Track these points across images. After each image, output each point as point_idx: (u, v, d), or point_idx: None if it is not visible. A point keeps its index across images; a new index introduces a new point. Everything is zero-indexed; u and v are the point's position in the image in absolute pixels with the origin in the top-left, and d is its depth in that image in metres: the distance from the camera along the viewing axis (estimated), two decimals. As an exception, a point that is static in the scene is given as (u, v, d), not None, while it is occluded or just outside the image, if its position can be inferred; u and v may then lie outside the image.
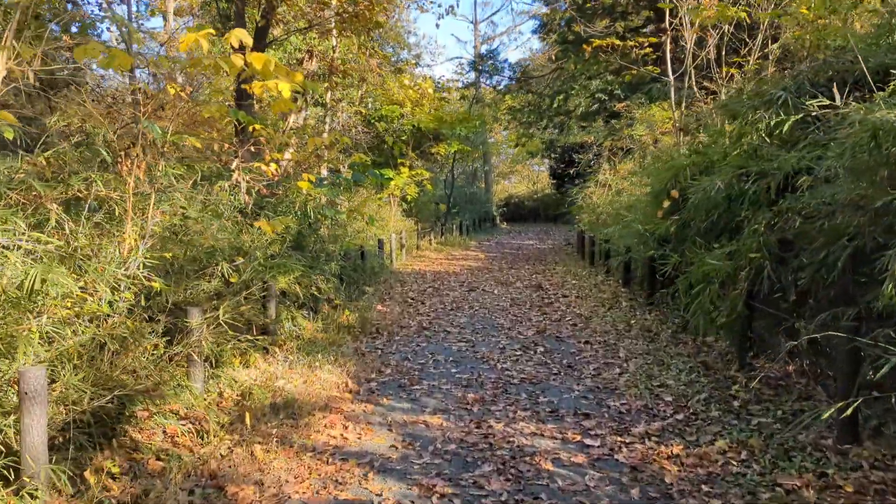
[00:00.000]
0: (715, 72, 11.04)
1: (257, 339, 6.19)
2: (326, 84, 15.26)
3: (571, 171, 43.45)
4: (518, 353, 7.33)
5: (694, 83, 11.61)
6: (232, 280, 6.39)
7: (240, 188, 7.04)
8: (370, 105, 20.50)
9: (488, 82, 23.91)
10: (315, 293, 7.85)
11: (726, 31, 10.94)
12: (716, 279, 5.69)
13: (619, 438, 4.71)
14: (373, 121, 20.55)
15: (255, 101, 13.21)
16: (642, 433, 4.79)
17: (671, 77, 11.20)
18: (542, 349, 7.49)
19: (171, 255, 4.94)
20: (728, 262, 5.57)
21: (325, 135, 15.50)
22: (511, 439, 4.72)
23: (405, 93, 19.85)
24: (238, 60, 4.42)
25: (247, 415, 4.64)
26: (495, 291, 12.13)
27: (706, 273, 5.80)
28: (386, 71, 20.67)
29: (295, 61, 16.44)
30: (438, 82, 21.02)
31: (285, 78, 5.11)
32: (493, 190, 45.53)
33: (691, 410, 5.22)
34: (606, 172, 16.39)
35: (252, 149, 9.54)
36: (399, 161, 20.47)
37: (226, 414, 5.17)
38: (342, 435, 4.83)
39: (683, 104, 10.75)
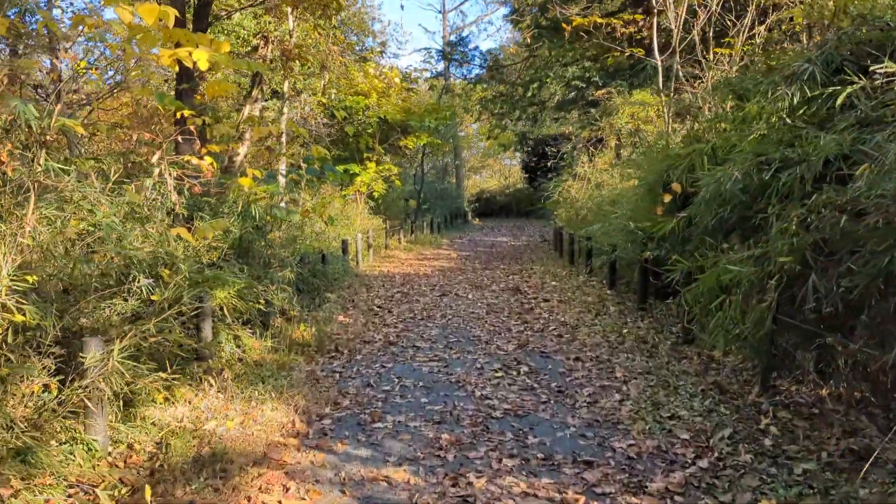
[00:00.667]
0: (703, 55, 10.14)
1: (179, 372, 5.08)
2: (282, 72, 14.07)
3: (544, 165, 42.67)
4: (499, 374, 6.30)
5: (679, 68, 10.69)
6: (154, 298, 5.26)
7: (167, 186, 5.90)
8: (333, 96, 19.32)
9: (458, 72, 22.82)
10: (261, 307, 6.73)
11: (714, 9, 10.03)
12: (738, 289, 4.72)
13: (633, 500, 3.70)
14: (336, 112, 19.39)
15: (200, 90, 11.98)
16: (661, 490, 3.79)
17: (658, 58, 10.25)
18: (525, 368, 6.47)
19: (34, 279, 3.79)
20: (753, 269, 4.60)
21: (282, 128, 14.31)
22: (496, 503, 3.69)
23: (370, 82, 18.71)
24: (125, 14, 3.30)
25: (146, 491, 3.53)
26: (470, 296, 11.11)
27: (726, 281, 4.82)
28: (349, 59, 19.53)
29: (250, 48, 15.22)
30: (406, 72, 19.94)
31: (207, 48, 4.02)
32: (465, 185, 44.55)
33: (716, 454, 4.24)
34: (585, 165, 15.45)
35: (192, 139, 8.38)
36: (365, 156, 19.34)
37: (135, 473, 4.07)
38: (280, 502, 3.76)
39: (673, 86, 9.81)
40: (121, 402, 4.50)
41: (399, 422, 5.03)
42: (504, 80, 20.67)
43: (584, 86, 16.51)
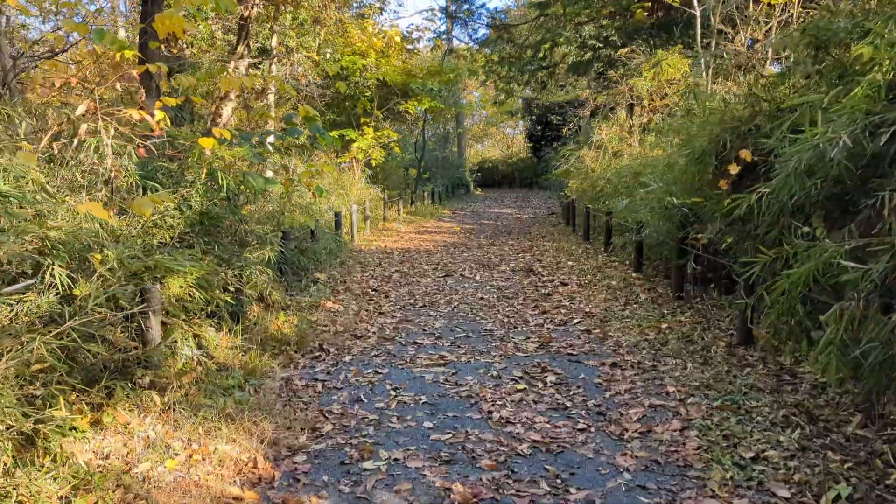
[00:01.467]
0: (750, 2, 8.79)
1: (113, 386, 3.89)
2: (270, 25, 12.68)
3: (550, 134, 41.09)
4: (520, 386, 5.09)
5: (718, 20, 9.34)
6: (75, 293, 4.03)
7: (101, 147, 4.63)
8: (328, 55, 17.89)
9: (463, 34, 21.30)
10: (228, 299, 5.51)
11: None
12: (857, 294, 3.48)
13: None
14: (328, 67, 17.98)
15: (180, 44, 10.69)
16: None
17: (697, 6, 8.88)
18: (552, 378, 5.26)
19: None
20: (883, 265, 3.35)
21: (270, 86, 12.95)
22: None
23: (368, 40, 17.26)
24: None
25: None
26: (477, 277, 9.89)
27: (838, 283, 3.59)
28: (347, 15, 18.08)
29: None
30: (407, 32, 18.48)
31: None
32: (467, 154, 43.12)
33: (838, 528, 3.04)
34: (602, 132, 14.11)
35: (155, 93, 7.07)
36: (362, 121, 17.97)
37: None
38: None
39: (714, 42, 8.46)
40: (14, 441, 3.29)
41: (396, 460, 3.82)
42: (513, 40, 19.18)
43: (601, 46, 15.06)
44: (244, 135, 6.64)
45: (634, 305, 7.67)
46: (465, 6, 19.54)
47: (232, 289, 5.85)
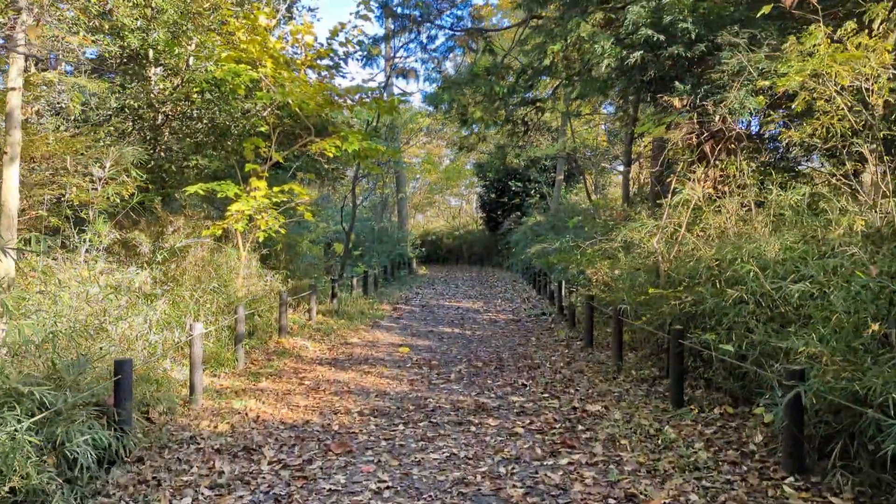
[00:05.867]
0: None
1: None
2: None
3: (508, 203, 34.89)
4: None
5: None
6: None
7: None
8: (190, 61, 11.07)
9: (414, 43, 14.59)
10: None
11: None
12: None
13: None
14: (199, 92, 11.08)
15: None
16: None
17: None
18: None
19: None
20: None
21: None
22: None
23: (262, 40, 10.51)
24: None
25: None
26: None
27: None
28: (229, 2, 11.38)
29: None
30: (328, 36, 11.90)
31: None
32: (408, 225, 36.49)
33: None
34: (694, 185, 7.46)
35: None
36: (250, 170, 11.02)
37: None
38: None
39: None
40: None
41: None
42: (492, 50, 12.74)
43: (663, 41, 8.53)
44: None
45: None
46: None
47: None
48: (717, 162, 7.87)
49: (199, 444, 5.44)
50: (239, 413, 6.40)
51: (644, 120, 9.93)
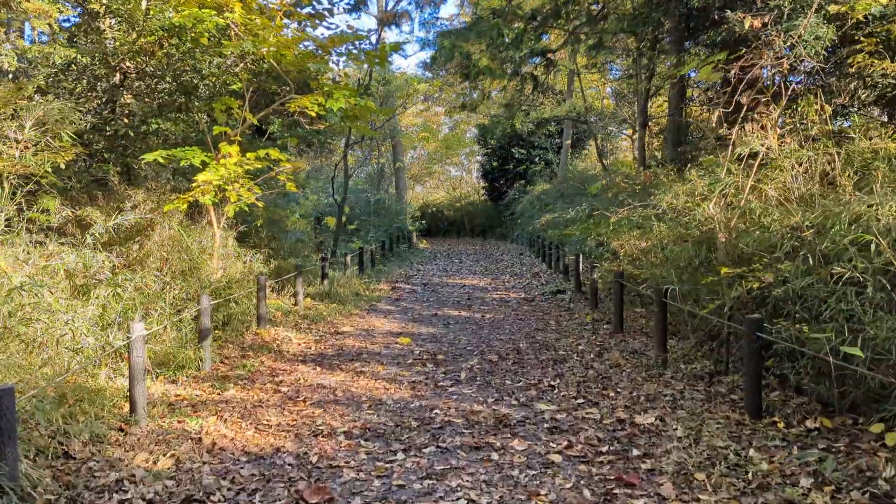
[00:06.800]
0: None
1: None
2: None
3: (512, 171, 33.11)
4: None
5: None
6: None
7: None
8: (143, 4, 9.46)
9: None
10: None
11: None
12: None
13: None
14: (159, 37, 9.49)
15: None
16: None
17: None
18: None
19: None
20: None
21: None
22: None
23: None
24: None
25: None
26: None
27: None
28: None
29: None
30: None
31: None
32: (407, 197, 34.90)
33: None
34: (759, 137, 5.93)
35: None
36: (219, 131, 9.48)
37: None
38: None
39: None
40: None
41: None
42: None
43: None
44: None
45: None
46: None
47: None
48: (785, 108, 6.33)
49: (125, 493, 4.00)
50: (192, 438, 4.96)
51: (691, 59, 8.32)
